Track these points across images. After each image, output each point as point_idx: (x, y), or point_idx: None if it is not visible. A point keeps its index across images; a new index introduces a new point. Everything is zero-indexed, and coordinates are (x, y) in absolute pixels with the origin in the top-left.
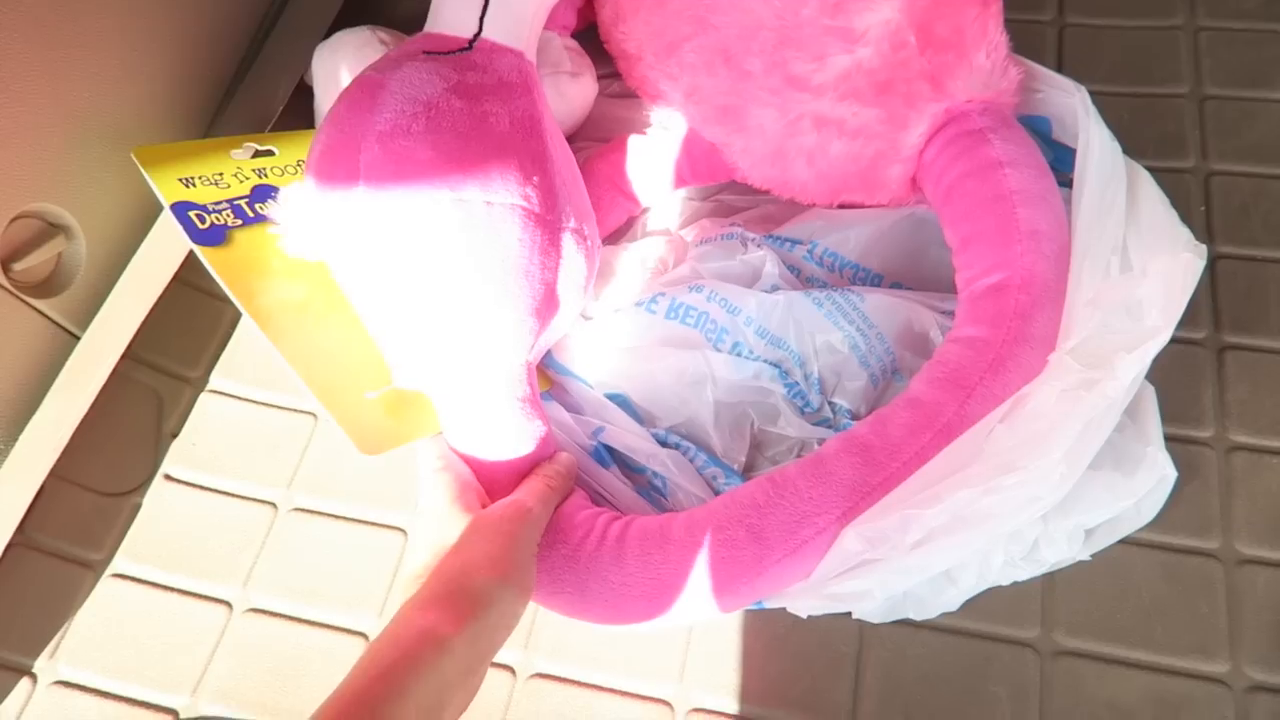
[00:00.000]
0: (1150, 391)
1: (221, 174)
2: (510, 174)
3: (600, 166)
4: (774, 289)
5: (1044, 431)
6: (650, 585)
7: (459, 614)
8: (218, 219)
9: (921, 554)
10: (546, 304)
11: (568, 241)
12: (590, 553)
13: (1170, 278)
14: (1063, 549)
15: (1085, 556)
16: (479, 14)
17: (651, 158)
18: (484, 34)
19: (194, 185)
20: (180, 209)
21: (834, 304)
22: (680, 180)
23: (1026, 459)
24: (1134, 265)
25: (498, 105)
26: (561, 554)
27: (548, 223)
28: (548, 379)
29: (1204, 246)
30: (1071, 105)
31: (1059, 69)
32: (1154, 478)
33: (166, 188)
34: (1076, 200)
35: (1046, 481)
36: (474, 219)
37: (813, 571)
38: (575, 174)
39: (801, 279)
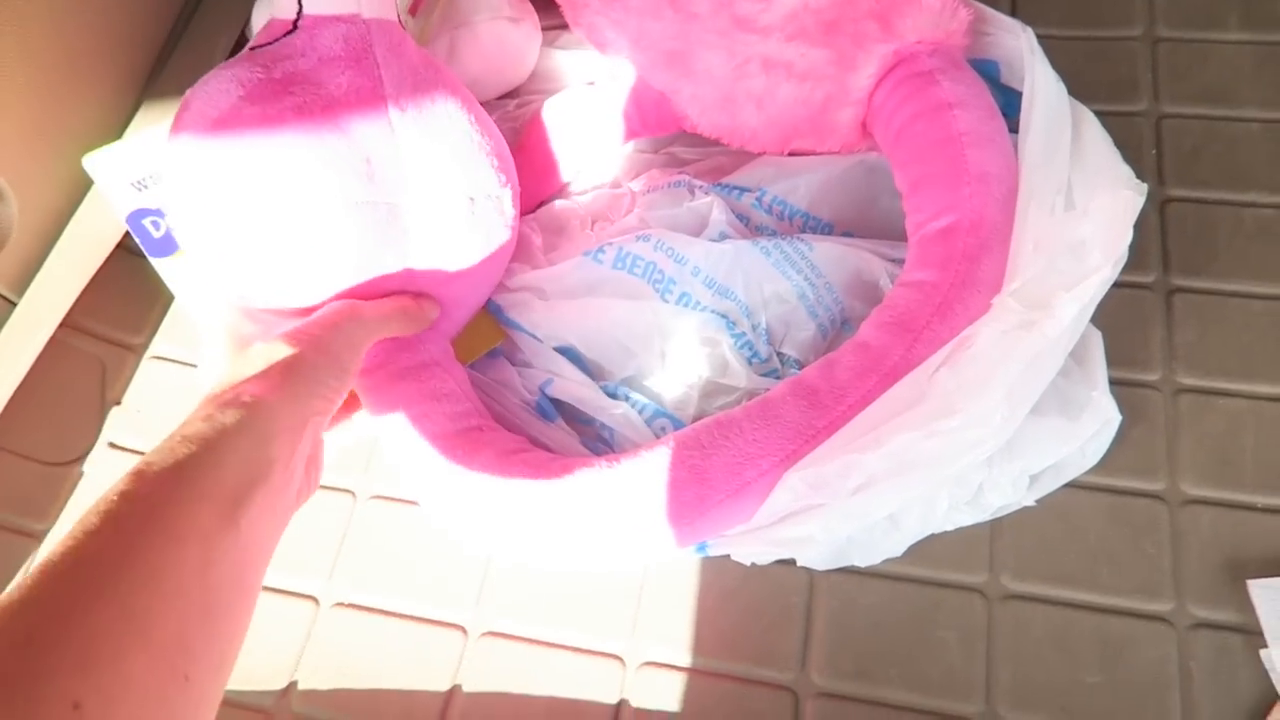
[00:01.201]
0: (1097, 337)
1: None
2: (315, 167)
3: (546, 120)
4: (722, 237)
5: (985, 373)
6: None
7: (267, 381)
8: None
9: (863, 498)
10: (398, 287)
11: (436, 216)
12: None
13: (1110, 215)
14: (1008, 494)
15: (1031, 501)
16: None
17: (599, 109)
18: (305, 10)
19: (146, 187)
20: (135, 219)
21: (782, 253)
22: (630, 132)
23: (967, 401)
24: (1077, 206)
25: (309, 94)
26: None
27: (376, 204)
28: (501, 332)
29: (1144, 185)
30: (1019, 48)
31: (1013, 13)
32: (1098, 421)
33: (121, 197)
34: (1023, 142)
35: (988, 424)
36: (279, 227)
37: (754, 514)
38: (467, 133)
39: (750, 227)
